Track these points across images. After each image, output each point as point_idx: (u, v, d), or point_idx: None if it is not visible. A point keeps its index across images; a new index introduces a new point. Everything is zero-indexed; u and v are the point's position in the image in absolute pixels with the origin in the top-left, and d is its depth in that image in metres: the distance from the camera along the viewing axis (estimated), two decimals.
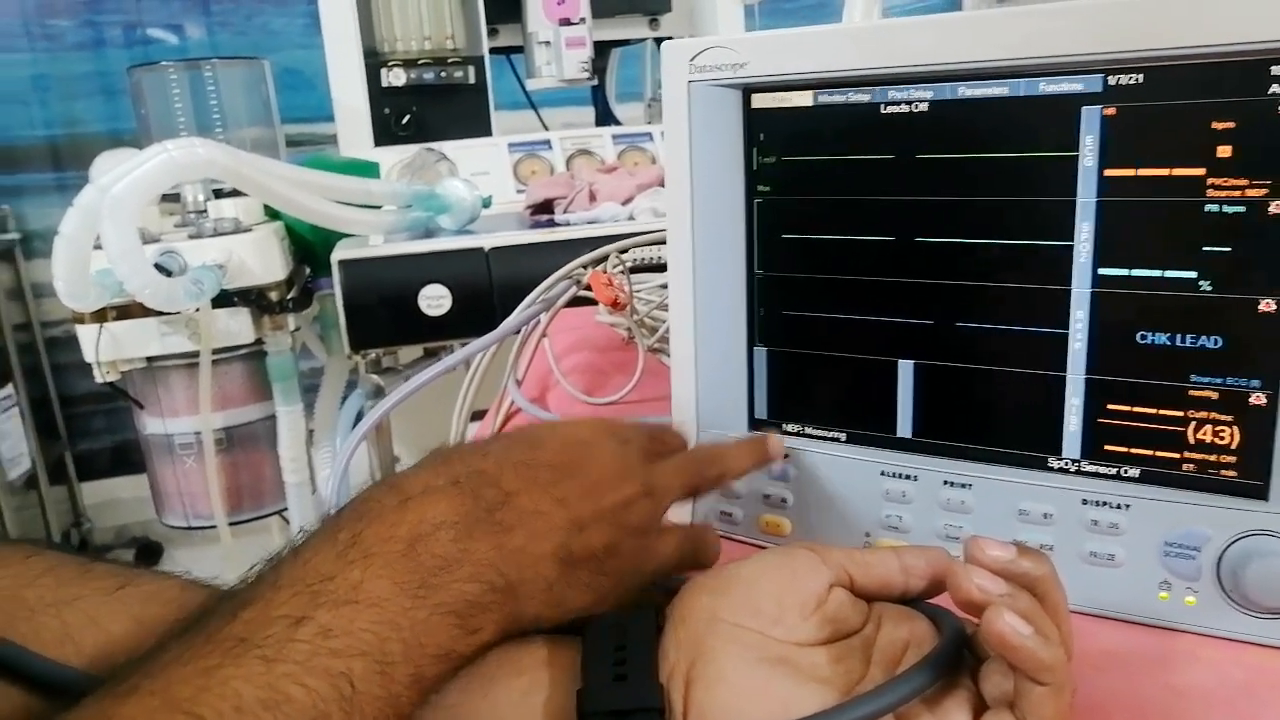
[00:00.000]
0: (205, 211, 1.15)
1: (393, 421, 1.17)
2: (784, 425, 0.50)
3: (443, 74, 1.51)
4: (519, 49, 1.70)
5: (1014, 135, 0.42)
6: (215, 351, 1.07)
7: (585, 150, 1.59)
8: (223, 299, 1.06)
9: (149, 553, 2.54)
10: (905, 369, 0.46)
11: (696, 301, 0.50)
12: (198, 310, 1.01)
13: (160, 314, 1.02)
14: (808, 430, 0.50)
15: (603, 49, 1.84)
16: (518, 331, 0.76)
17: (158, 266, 0.98)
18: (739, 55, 0.46)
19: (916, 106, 0.44)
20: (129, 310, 1.04)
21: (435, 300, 1.00)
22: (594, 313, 0.87)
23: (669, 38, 1.91)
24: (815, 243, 0.48)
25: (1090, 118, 0.40)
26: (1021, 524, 0.43)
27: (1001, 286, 0.43)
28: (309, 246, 1.17)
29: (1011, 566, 0.31)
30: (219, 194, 1.19)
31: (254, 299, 1.09)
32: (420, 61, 1.52)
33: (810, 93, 0.46)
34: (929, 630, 0.34)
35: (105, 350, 1.04)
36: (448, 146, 1.45)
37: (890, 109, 0.44)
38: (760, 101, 0.48)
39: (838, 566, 0.34)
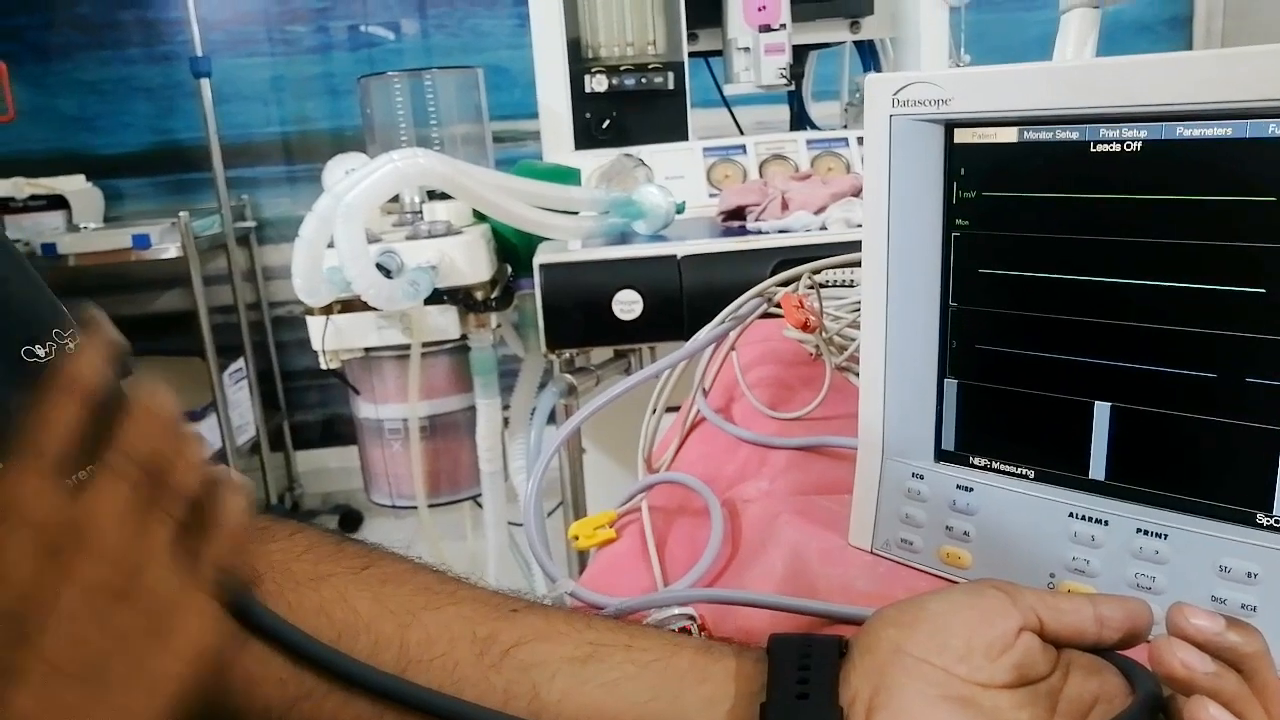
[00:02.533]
0: (420, 213, 1.23)
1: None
2: (971, 458, 0.50)
3: (643, 80, 1.55)
4: (718, 52, 1.72)
5: (1236, 178, 0.40)
6: (424, 345, 1.15)
7: (779, 155, 1.59)
8: (433, 296, 1.14)
9: (350, 520, 2.74)
10: (1101, 410, 0.45)
11: (889, 330, 0.51)
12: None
13: (378, 309, 1.11)
14: (995, 465, 0.49)
15: (801, 52, 1.84)
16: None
17: (378, 266, 1.06)
18: (943, 91, 0.47)
19: (1129, 146, 0.43)
20: (351, 305, 1.13)
21: (628, 305, 1.04)
22: (782, 325, 0.88)
23: (869, 41, 1.89)
24: (1013, 279, 0.47)
25: None
26: (1222, 581, 0.41)
27: (1212, 334, 0.42)
28: (512, 249, 1.24)
29: (1219, 640, 0.30)
30: (431, 195, 1.27)
31: (461, 298, 1.17)
32: (622, 68, 1.57)
33: (1015, 129, 0.46)
34: (1121, 686, 0.33)
35: (330, 340, 1.14)
36: (644, 150, 1.49)
37: (1100, 147, 0.43)
38: (963, 137, 0.48)
39: (1028, 610, 0.34)
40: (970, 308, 0.49)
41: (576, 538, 0.63)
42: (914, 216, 0.49)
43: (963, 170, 0.48)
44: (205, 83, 2.33)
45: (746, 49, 1.55)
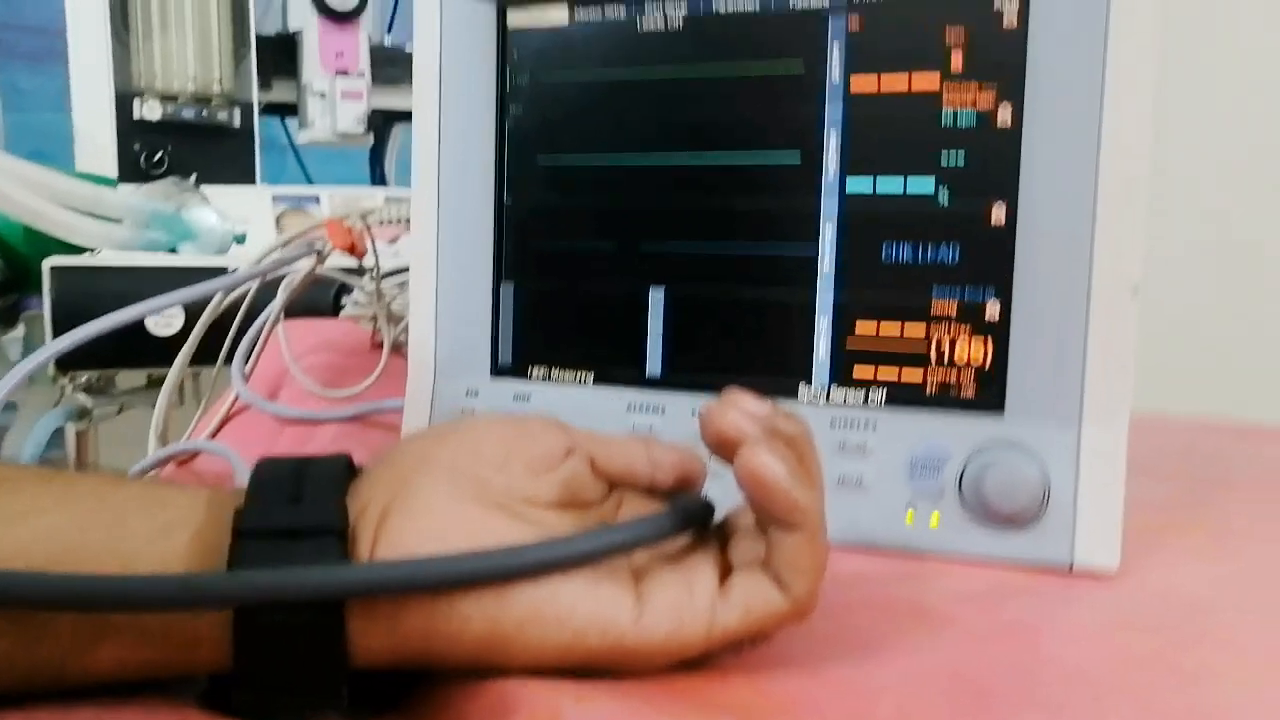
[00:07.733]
0: None
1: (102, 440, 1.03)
2: (529, 370, 0.46)
3: (204, 113, 1.42)
4: (293, 107, 1.64)
5: (766, 50, 0.41)
6: None
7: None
8: None
9: None
10: (656, 299, 0.44)
11: (440, 233, 0.46)
12: None
13: None
14: (554, 374, 0.46)
15: (389, 119, 1.81)
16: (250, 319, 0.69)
17: None
18: None
19: (672, 24, 0.43)
20: None
21: (167, 319, 0.90)
22: (339, 322, 0.81)
23: None
24: (565, 168, 0.45)
25: (836, 30, 0.40)
26: None
27: (755, 210, 0.42)
28: (21, 259, 1.04)
29: (767, 423, 0.28)
30: None
31: None
32: (180, 99, 1.43)
33: (566, 9, 0.45)
34: None
35: None
36: (206, 190, 1.36)
37: (646, 25, 0.43)
38: (516, 20, 0.46)
39: (580, 441, 0.30)
40: (525, 203, 0.46)
41: None
42: (466, 106, 0.46)
43: (516, 54, 0.46)
44: None
45: (322, 94, 1.49)
